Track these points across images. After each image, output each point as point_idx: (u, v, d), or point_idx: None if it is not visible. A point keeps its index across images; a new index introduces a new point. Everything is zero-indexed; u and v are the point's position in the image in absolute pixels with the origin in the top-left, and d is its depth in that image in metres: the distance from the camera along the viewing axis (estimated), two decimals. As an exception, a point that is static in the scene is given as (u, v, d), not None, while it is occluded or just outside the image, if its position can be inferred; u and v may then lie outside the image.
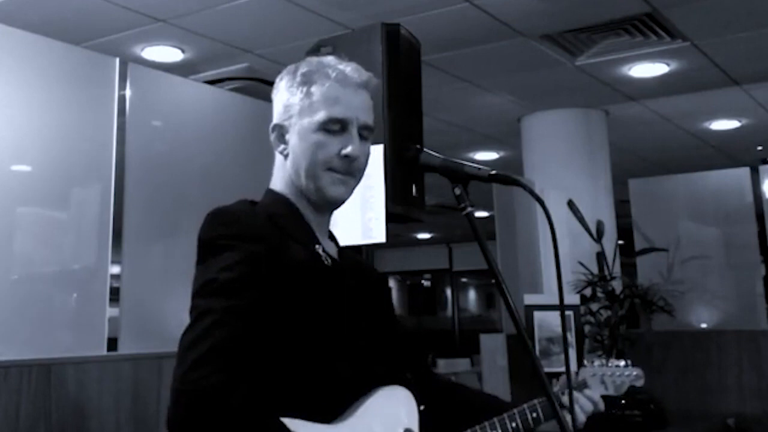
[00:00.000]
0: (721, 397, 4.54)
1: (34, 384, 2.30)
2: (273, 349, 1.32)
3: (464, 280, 14.85)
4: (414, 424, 1.47)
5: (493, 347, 4.87)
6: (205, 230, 1.39)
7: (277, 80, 1.53)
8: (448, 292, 14.83)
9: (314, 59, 1.51)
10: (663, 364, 4.68)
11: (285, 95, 1.49)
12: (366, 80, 1.49)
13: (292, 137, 1.47)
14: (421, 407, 1.50)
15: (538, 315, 4.21)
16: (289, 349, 1.34)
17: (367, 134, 1.49)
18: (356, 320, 1.47)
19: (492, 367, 4.85)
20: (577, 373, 1.78)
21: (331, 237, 1.58)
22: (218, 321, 1.25)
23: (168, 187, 2.96)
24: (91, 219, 2.70)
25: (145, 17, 4.11)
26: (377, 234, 2.13)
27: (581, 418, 1.66)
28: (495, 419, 1.56)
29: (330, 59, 1.50)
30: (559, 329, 4.07)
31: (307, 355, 1.36)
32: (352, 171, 1.47)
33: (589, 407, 1.68)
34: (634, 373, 1.82)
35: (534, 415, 1.60)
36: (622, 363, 1.81)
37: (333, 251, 1.53)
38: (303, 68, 1.48)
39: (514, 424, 1.56)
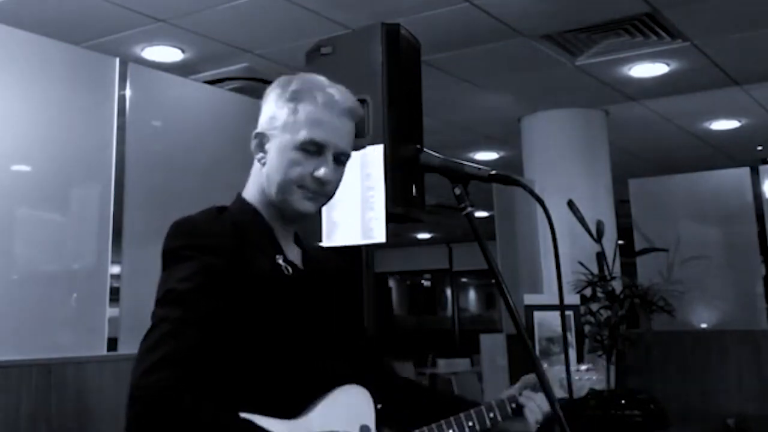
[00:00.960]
0: (721, 397, 4.54)
1: (34, 384, 2.30)
2: (232, 355, 1.37)
3: (464, 280, 14.85)
4: (371, 421, 1.51)
5: (493, 347, 4.87)
6: (168, 240, 1.44)
7: (269, 89, 1.57)
8: (448, 292, 14.83)
9: (307, 77, 1.56)
10: (663, 364, 4.68)
11: (272, 107, 1.53)
12: (352, 107, 1.53)
13: (271, 149, 1.52)
14: (378, 406, 1.53)
15: (538, 315, 4.21)
16: (247, 355, 1.39)
17: (343, 159, 1.54)
18: (315, 324, 1.51)
19: (492, 367, 4.86)
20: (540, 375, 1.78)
21: (297, 240, 1.61)
22: (172, 330, 1.31)
23: (168, 187, 2.96)
24: (91, 219, 2.71)
25: (145, 17, 4.11)
26: (377, 234, 2.13)
27: (535, 417, 1.67)
28: (452, 418, 1.58)
29: (322, 80, 1.55)
30: (559, 329, 4.08)
31: (265, 360, 1.40)
32: (323, 192, 1.51)
33: (546, 409, 1.68)
34: (594, 377, 1.83)
35: (491, 415, 1.63)
36: (583, 367, 1.83)
37: (297, 257, 1.57)
38: (294, 85, 1.53)
39: (470, 423, 1.59)
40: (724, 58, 4.92)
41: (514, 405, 1.69)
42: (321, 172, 1.48)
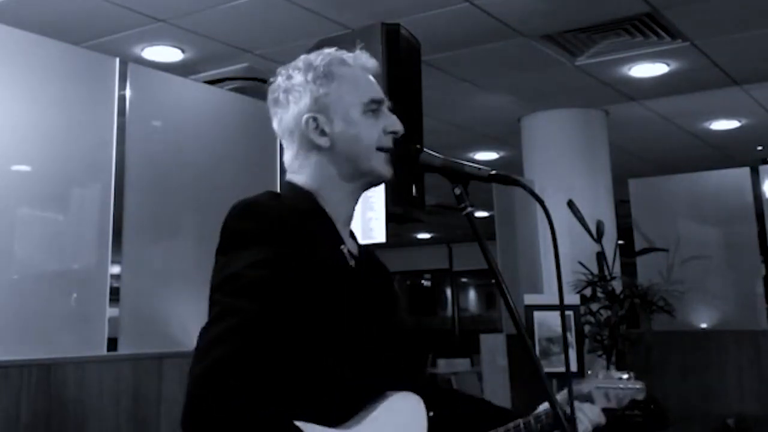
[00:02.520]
0: (721, 397, 4.54)
1: (34, 384, 2.30)
2: (293, 352, 1.30)
3: (464, 280, 14.85)
4: (423, 431, 1.47)
5: (493, 347, 4.87)
6: (233, 220, 1.35)
7: (295, 77, 1.50)
8: (448, 292, 14.83)
9: (324, 52, 1.52)
10: (663, 364, 4.69)
11: (311, 87, 1.47)
12: (375, 66, 1.55)
13: (335, 126, 1.46)
14: (430, 413, 1.49)
15: (538, 315, 4.21)
16: (308, 352, 1.32)
17: (392, 110, 1.54)
18: (375, 321, 1.46)
19: (492, 367, 4.86)
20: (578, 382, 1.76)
21: (352, 234, 1.56)
22: (240, 324, 1.22)
23: (168, 187, 2.96)
24: (91, 219, 2.71)
25: (145, 17, 4.11)
26: (377, 234, 2.13)
27: (584, 427, 1.63)
28: (501, 429, 1.54)
29: (335, 50, 1.53)
30: (559, 329, 4.08)
31: (326, 358, 1.34)
32: (393, 147, 1.51)
33: (596, 421, 1.66)
34: (637, 386, 1.79)
35: (539, 426, 1.58)
36: (625, 376, 1.82)
37: (354, 249, 1.52)
38: (319, 61, 1.50)
39: None
40: (724, 58, 4.92)
41: (560, 411, 1.65)
42: (395, 125, 1.49)
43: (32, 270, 2.53)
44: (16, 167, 2.54)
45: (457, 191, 1.45)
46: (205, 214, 2.95)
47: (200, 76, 4.72)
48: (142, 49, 4.54)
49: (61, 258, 2.62)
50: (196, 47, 4.52)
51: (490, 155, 7.53)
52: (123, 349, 2.66)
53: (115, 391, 2.52)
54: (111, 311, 2.66)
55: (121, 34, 4.32)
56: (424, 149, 1.52)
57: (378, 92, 1.50)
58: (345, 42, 2.26)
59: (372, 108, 1.48)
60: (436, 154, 1.51)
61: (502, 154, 7.46)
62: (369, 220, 2.14)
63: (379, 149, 1.47)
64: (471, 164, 1.46)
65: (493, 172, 1.45)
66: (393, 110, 1.54)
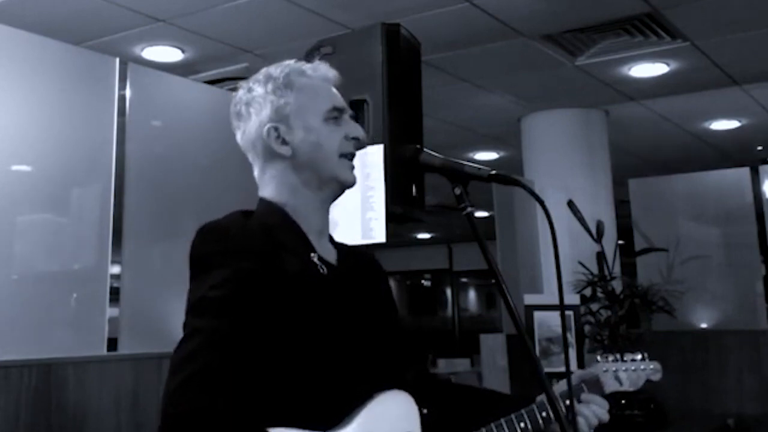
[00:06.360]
0: (721, 397, 4.54)
1: (34, 384, 2.30)
2: (267, 365, 1.33)
3: (464, 280, 14.84)
4: (415, 428, 1.47)
5: (493, 347, 4.87)
6: (195, 246, 1.40)
7: (255, 89, 1.52)
8: (448, 292, 14.83)
9: (283, 64, 1.55)
10: (663, 364, 4.67)
11: (272, 98, 1.50)
12: (336, 77, 1.57)
13: (296, 135, 1.48)
14: (424, 411, 1.49)
15: (538, 315, 4.21)
16: (284, 363, 1.34)
17: (353, 117, 1.58)
18: (355, 325, 1.46)
19: (492, 367, 4.85)
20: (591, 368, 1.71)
21: (332, 240, 1.57)
22: (206, 342, 1.27)
23: (168, 187, 2.96)
24: (91, 219, 2.70)
25: (145, 17, 4.11)
26: (377, 234, 2.13)
27: (588, 422, 1.62)
28: (502, 420, 1.53)
29: (296, 62, 1.57)
30: (559, 329, 4.07)
31: (303, 366, 1.36)
32: (355, 153, 1.53)
33: (603, 418, 1.64)
34: (651, 366, 1.75)
35: (544, 414, 1.57)
36: (639, 356, 1.75)
37: (331, 255, 1.52)
38: (278, 73, 1.52)
39: (522, 424, 1.54)
40: (724, 58, 4.92)
41: (568, 402, 1.60)
42: (356, 132, 1.52)
43: (32, 270, 2.53)
44: (16, 167, 2.54)
45: (457, 191, 1.46)
46: (205, 215, 2.92)
47: (200, 76, 4.73)
48: (142, 49, 4.54)
49: (61, 258, 2.62)
50: (196, 47, 4.52)
51: (490, 155, 7.53)
52: (123, 350, 2.66)
53: (115, 391, 2.52)
54: (111, 311, 2.66)
55: (121, 34, 4.32)
56: (424, 149, 1.53)
57: (339, 101, 1.52)
58: (345, 42, 2.27)
59: (333, 116, 1.50)
60: (436, 154, 1.51)
61: (502, 154, 7.46)
62: (369, 220, 2.14)
63: (342, 155, 1.49)
64: (471, 164, 1.47)
65: (493, 172, 1.45)
66: (355, 119, 1.57)
